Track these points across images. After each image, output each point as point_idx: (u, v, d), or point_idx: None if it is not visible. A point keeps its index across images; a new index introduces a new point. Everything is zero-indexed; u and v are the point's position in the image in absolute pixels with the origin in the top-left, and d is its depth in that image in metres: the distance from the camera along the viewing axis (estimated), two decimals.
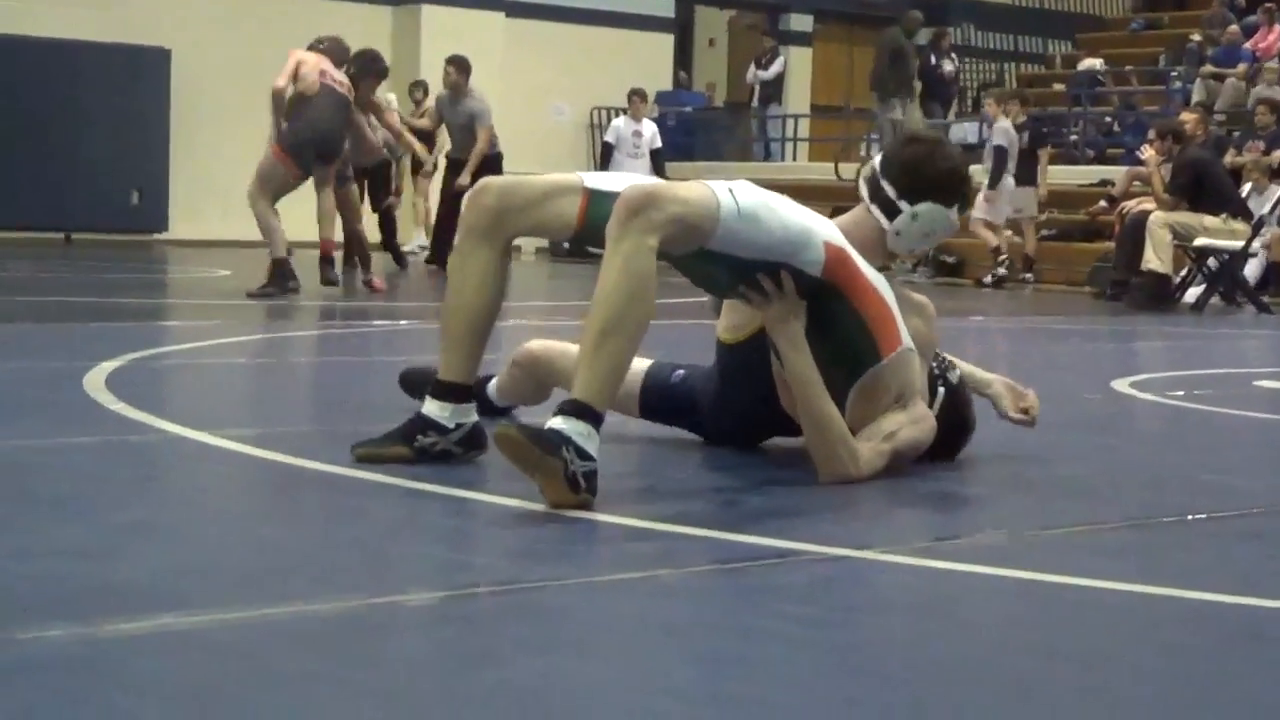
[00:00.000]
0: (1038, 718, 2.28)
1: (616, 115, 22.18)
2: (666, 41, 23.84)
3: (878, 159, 4.41)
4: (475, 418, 4.07)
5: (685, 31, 25.57)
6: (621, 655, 2.51)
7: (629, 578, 3.01)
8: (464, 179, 14.74)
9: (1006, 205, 16.53)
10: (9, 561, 2.91)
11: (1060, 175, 18.67)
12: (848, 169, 20.37)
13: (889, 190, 4.31)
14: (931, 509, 4.01)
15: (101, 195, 18.29)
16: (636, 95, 19.11)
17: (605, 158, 18.80)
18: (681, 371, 4.60)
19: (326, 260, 11.17)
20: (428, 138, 16.65)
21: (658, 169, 18.37)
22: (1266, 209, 14.40)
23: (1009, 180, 16.55)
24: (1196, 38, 21.27)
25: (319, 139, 10.57)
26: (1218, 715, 2.36)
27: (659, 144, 18.81)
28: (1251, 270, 14.54)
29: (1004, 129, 16.67)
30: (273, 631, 2.53)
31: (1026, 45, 27.01)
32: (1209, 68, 19.89)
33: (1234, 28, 20.69)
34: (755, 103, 23.91)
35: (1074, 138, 20.73)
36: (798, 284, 3.98)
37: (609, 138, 19.03)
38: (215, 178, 18.58)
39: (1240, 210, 13.98)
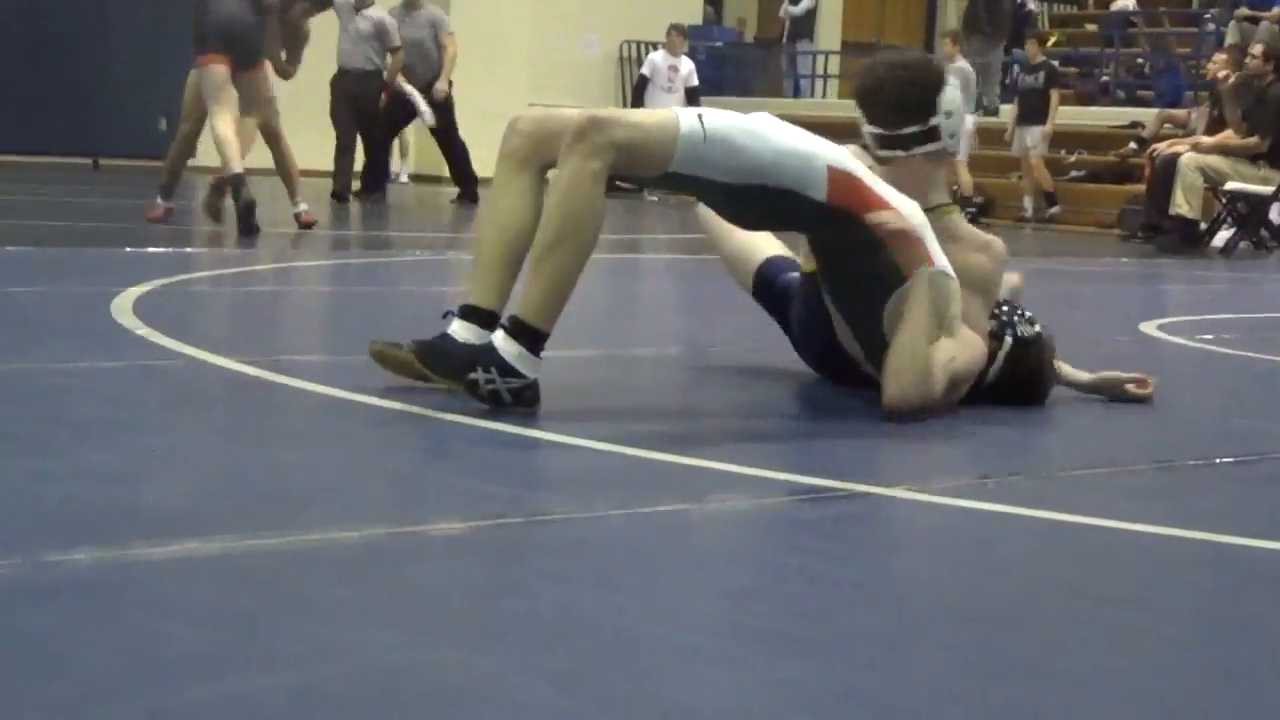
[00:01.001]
0: (1060, 655, 2.28)
1: (647, 49, 22.10)
2: None
3: (874, 130, 4.46)
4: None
5: None
6: (645, 588, 2.51)
7: (654, 511, 3.01)
8: (443, 84, 14.82)
9: (965, 142, 17.12)
10: (35, 484, 2.91)
11: (1090, 117, 18.61)
12: None
13: (913, 128, 4.41)
14: (958, 449, 4.00)
15: (129, 121, 18.22)
16: (675, 30, 18.97)
17: (640, 91, 18.67)
18: (794, 275, 4.71)
19: (217, 189, 10.11)
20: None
21: (693, 106, 18.24)
22: None
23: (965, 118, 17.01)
24: None
25: (226, 34, 9.80)
26: (1240, 655, 2.36)
27: (695, 81, 18.65)
28: (1277, 214, 14.45)
29: (957, 69, 17.04)
30: (298, 558, 2.53)
31: None
32: (1243, 10, 19.72)
33: None
34: (785, 39, 23.76)
35: (1105, 78, 20.61)
36: (805, 211, 3.99)
37: (645, 71, 18.88)
38: None
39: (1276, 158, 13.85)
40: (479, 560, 2.64)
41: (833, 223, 4.02)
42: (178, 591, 2.31)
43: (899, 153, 4.43)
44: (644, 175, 3.99)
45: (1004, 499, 3.28)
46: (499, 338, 3.82)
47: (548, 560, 2.64)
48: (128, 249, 8.38)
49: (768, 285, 4.77)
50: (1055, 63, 18.17)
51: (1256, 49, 14.87)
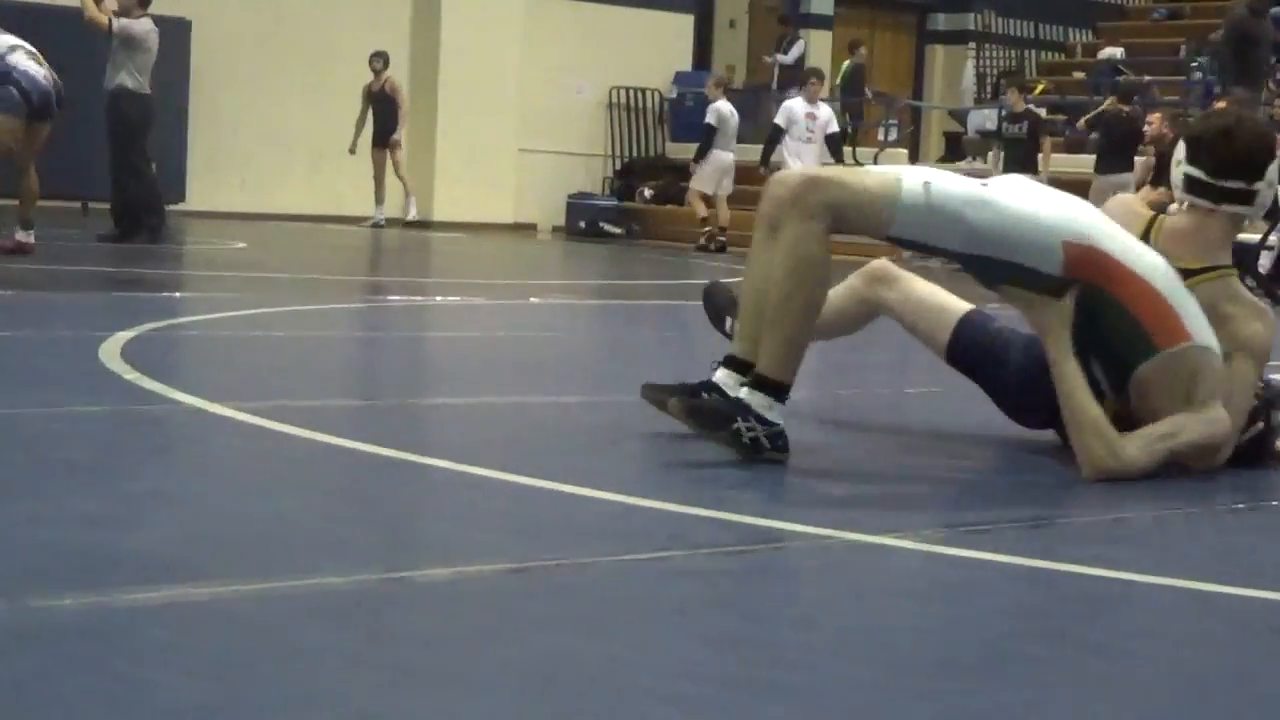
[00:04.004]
0: (1048, 704, 2.28)
1: (637, 95, 22.14)
2: (686, 22, 23.78)
3: (1193, 173, 4.40)
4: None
5: (705, 12, 25.50)
6: (632, 635, 2.52)
7: (641, 558, 3.01)
8: None
9: (715, 176, 18.34)
10: (22, 529, 2.91)
11: (1076, 164, 18.64)
12: (865, 153, 20.39)
13: (1237, 184, 4.37)
14: (950, 496, 4.01)
15: None
16: (814, 75, 17.90)
17: (773, 142, 17.20)
18: (999, 326, 4.64)
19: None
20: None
21: (835, 154, 17.00)
22: None
23: (716, 154, 18.31)
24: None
25: None
26: (1233, 706, 2.36)
27: (835, 128, 17.38)
28: (1265, 261, 14.48)
29: (715, 109, 18.48)
30: (285, 604, 2.53)
31: (1047, 33, 26.93)
32: None
33: None
34: (774, 86, 23.83)
35: None
36: (1039, 282, 4.06)
37: (779, 120, 17.28)
38: (233, 150, 18.63)
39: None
40: (465, 607, 2.64)
41: (1073, 288, 4.10)
42: (165, 638, 2.31)
43: (1206, 202, 4.40)
44: (869, 234, 4.10)
45: (993, 547, 3.29)
46: (746, 393, 4.00)
47: (534, 607, 2.64)
48: (117, 293, 8.38)
49: (977, 332, 4.62)
50: (1039, 110, 18.16)
51: (1220, 105, 14.90)
